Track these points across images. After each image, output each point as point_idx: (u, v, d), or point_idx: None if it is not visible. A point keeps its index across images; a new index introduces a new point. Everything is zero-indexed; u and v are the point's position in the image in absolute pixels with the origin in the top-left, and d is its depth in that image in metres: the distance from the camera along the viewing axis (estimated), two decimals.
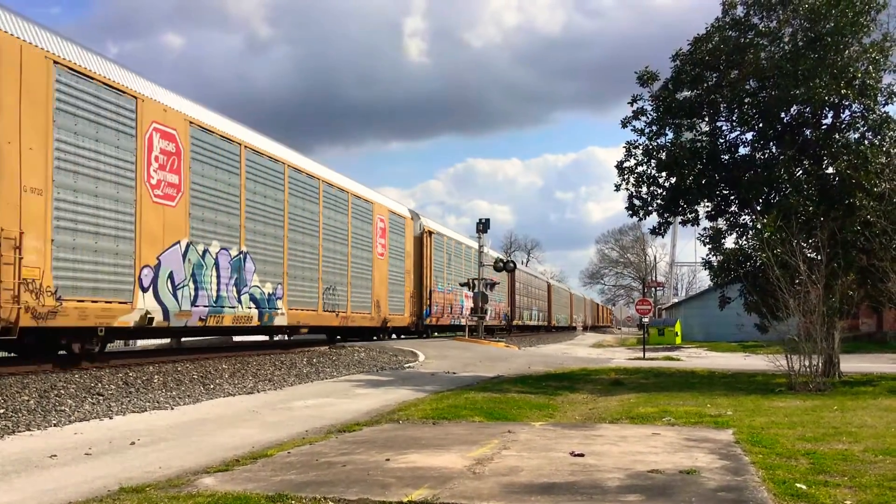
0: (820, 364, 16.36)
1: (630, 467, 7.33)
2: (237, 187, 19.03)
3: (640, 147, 19.26)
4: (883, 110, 17.46)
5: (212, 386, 14.48)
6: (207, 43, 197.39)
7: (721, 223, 19.38)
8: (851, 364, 21.21)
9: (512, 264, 44.83)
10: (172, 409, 11.89)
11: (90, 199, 14.13)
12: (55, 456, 7.99)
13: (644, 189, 19.38)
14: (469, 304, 41.76)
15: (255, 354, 19.93)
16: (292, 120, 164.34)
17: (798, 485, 6.63)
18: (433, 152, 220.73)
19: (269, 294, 20.57)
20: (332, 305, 24.52)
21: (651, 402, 13.57)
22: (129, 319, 15.05)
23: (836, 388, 16.01)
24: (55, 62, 13.39)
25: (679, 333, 51.65)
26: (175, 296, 16.48)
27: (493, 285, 41.74)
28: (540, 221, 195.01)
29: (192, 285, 17.07)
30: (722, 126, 19.41)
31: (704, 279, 75.35)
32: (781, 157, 17.46)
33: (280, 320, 21.31)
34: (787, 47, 17.86)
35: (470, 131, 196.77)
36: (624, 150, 19.42)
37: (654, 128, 19.19)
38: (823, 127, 17.94)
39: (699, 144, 18.84)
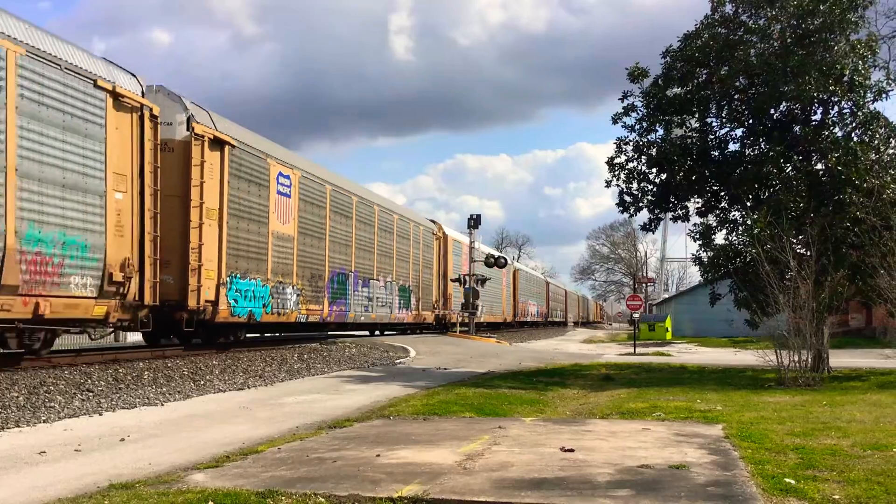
0: (809, 359, 16.45)
1: (620, 462, 7.35)
2: (501, 280, 48.85)
3: (631, 143, 19.32)
4: (872, 107, 17.55)
5: (202, 382, 14.44)
6: (194, 40, 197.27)
7: (711, 219, 19.44)
8: (841, 359, 21.31)
9: (504, 260, 44.86)
10: (162, 405, 11.85)
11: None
12: (44, 452, 7.96)
13: (634, 185, 19.45)
14: (531, 308, 65.52)
15: (245, 350, 19.89)
16: (279, 116, 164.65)
17: (787, 479, 6.66)
18: (422, 148, 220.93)
19: (484, 309, 44.09)
20: (490, 312, 47.43)
21: (641, 398, 13.61)
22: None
23: (826, 383, 16.08)
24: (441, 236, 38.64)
25: (669, 329, 51.74)
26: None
27: (483, 281, 41.81)
28: (530, 217, 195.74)
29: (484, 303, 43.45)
30: (712, 122, 19.47)
31: (695, 275, 75.62)
32: (771, 153, 17.50)
33: (483, 319, 44.41)
34: (775, 44, 17.91)
35: (459, 127, 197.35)
36: (614, 146, 19.51)
37: (645, 124, 19.25)
38: (813, 123, 18.01)
39: (689, 141, 18.90)
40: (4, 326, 12.65)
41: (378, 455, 7.71)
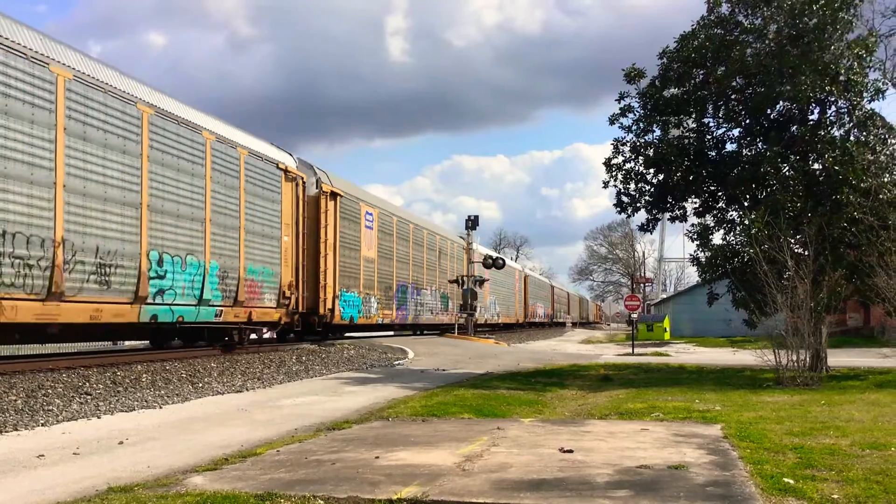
0: (807, 359, 16.44)
1: (619, 463, 7.35)
2: (514, 286, 59.07)
3: (628, 144, 19.32)
4: (868, 107, 17.55)
5: (200, 384, 14.44)
6: (190, 42, 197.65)
7: (709, 219, 19.45)
8: (839, 359, 21.33)
9: (501, 261, 44.89)
10: (161, 407, 11.84)
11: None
12: (43, 456, 7.95)
13: (632, 186, 19.46)
14: (539, 310, 72.87)
15: (244, 352, 19.88)
16: (276, 118, 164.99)
17: (786, 479, 6.66)
18: (419, 149, 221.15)
19: (498, 311, 52.57)
20: (506, 314, 55.83)
21: (640, 398, 13.61)
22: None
23: (824, 382, 16.09)
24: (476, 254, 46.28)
25: (668, 329, 51.75)
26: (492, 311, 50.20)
27: (482, 282, 41.80)
28: (527, 218, 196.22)
29: (493, 307, 50.84)
30: (709, 122, 19.48)
31: (693, 275, 75.80)
32: (768, 153, 17.52)
33: (501, 320, 53.49)
34: (772, 44, 17.92)
35: (455, 129, 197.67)
36: (612, 146, 19.50)
37: (642, 125, 19.24)
38: (810, 123, 18.02)
39: (686, 141, 18.90)
40: (233, 327, 19.77)
41: (377, 457, 7.70)
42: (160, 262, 16.32)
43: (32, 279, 13.07)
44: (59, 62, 13.78)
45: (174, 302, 16.82)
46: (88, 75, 14.48)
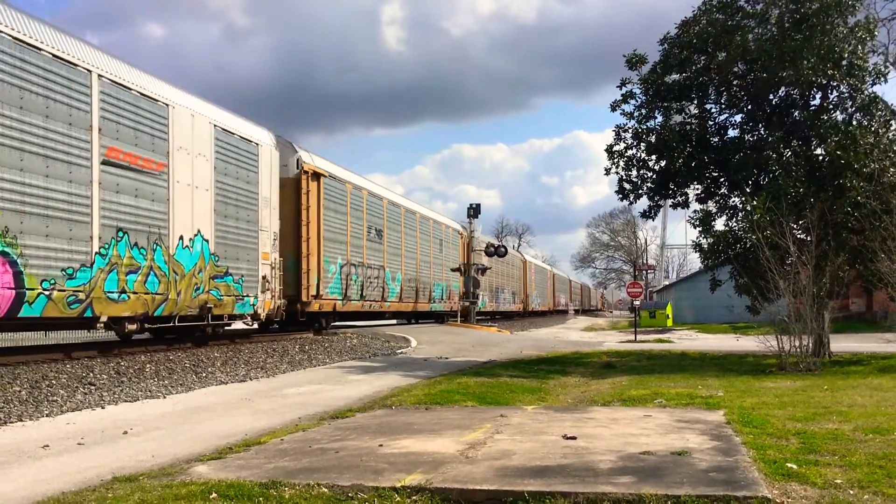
0: (810, 344, 16.43)
1: (622, 449, 7.36)
2: (546, 282, 78.02)
3: (630, 130, 19.28)
4: (871, 90, 17.48)
5: (204, 374, 14.47)
6: (187, 32, 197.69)
7: (711, 205, 19.42)
8: (841, 344, 21.33)
9: (503, 249, 44.92)
10: (165, 397, 11.87)
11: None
12: (48, 446, 7.98)
13: (634, 172, 19.44)
14: (561, 300, 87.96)
15: (246, 342, 19.91)
16: (273, 107, 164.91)
17: (789, 464, 6.67)
18: (418, 138, 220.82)
19: (539, 301, 70.49)
20: (542, 304, 71.28)
21: (643, 385, 13.62)
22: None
23: (827, 368, 16.10)
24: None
25: (670, 316, 51.80)
26: (536, 301, 70.50)
27: (484, 270, 41.78)
28: (527, 206, 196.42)
29: (536, 299, 70.81)
30: (711, 108, 19.44)
31: (695, 261, 75.83)
32: (770, 138, 17.48)
33: (540, 308, 71.10)
34: (773, 29, 17.85)
35: (454, 117, 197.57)
36: (613, 133, 19.48)
37: (644, 111, 19.21)
38: (812, 108, 17.97)
39: (688, 127, 18.86)
40: (446, 313, 39.71)
41: (381, 445, 7.72)
42: (433, 286, 36.91)
43: (395, 294, 31.22)
44: (386, 198, 31.67)
45: (435, 302, 37.32)
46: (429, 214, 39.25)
